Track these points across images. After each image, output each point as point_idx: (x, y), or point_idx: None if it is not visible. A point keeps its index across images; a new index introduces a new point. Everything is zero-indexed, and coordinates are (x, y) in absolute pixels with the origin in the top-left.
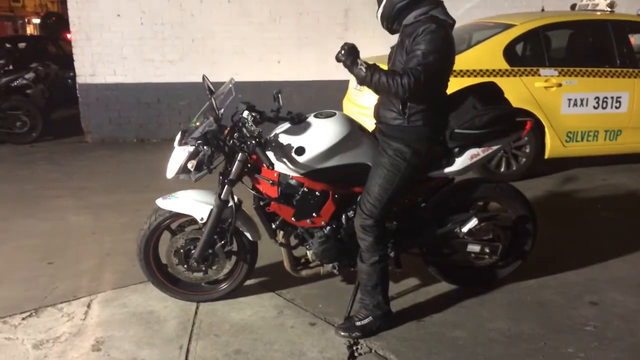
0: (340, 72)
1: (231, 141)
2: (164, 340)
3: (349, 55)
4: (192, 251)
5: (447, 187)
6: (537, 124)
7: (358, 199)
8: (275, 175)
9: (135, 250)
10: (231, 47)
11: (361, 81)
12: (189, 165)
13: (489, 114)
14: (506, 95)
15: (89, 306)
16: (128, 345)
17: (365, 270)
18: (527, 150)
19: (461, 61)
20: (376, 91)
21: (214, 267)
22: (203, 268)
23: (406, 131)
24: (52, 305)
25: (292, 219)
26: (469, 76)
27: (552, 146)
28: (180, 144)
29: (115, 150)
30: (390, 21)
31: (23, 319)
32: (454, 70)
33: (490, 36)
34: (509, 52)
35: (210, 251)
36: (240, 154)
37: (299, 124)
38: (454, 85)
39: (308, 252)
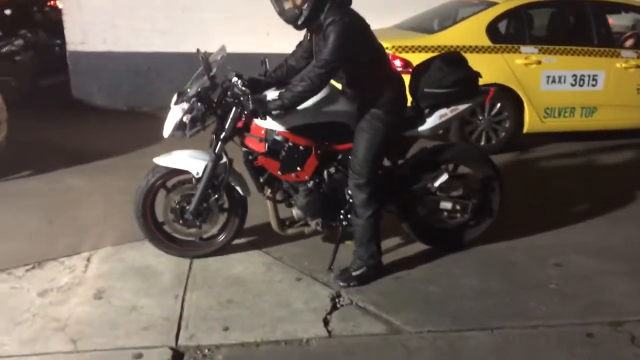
0: None
1: (223, 101)
2: (161, 291)
3: (256, 104)
4: (187, 207)
5: (419, 150)
6: (516, 99)
7: (339, 156)
8: (263, 132)
9: (133, 208)
10: (221, 18)
11: (286, 108)
12: (185, 119)
13: (455, 75)
14: (487, 71)
15: (88, 260)
16: (127, 294)
17: (360, 224)
18: (507, 125)
19: (446, 37)
20: (303, 100)
21: (207, 222)
22: (197, 223)
23: (376, 98)
24: (54, 259)
25: (278, 172)
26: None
27: (531, 121)
28: (176, 103)
29: (105, 118)
30: (307, 25)
31: (27, 270)
32: (440, 46)
33: (474, 13)
34: (492, 30)
35: (204, 205)
36: (233, 109)
37: (284, 86)
38: None
39: (293, 210)
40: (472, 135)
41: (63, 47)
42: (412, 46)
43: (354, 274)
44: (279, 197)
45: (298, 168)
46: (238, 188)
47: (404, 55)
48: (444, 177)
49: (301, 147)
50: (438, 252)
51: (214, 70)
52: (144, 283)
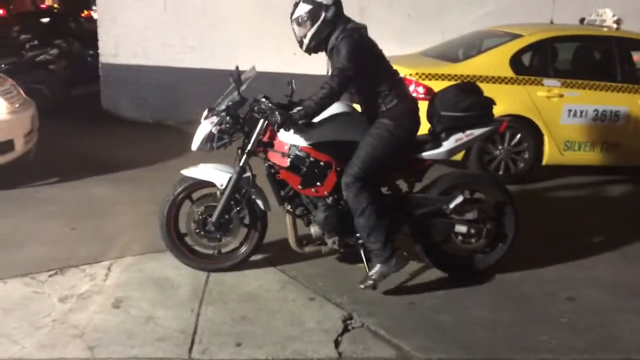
0: None
1: (249, 117)
2: (177, 303)
3: (283, 116)
4: (210, 219)
5: (436, 178)
6: (536, 131)
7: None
8: (286, 147)
9: (159, 217)
10: (249, 36)
11: (306, 118)
12: (214, 129)
13: (470, 99)
14: (508, 102)
15: (109, 269)
16: (145, 305)
17: (360, 224)
18: (526, 156)
19: (470, 66)
20: (325, 106)
21: (228, 234)
22: (218, 235)
23: (388, 111)
24: (76, 266)
25: (299, 186)
26: (475, 81)
27: (550, 153)
28: (206, 118)
29: (131, 129)
30: (317, 48)
31: (49, 276)
32: (463, 75)
33: (498, 44)
34: (515, 61)
35: (226, 217)
36: (260, 123)
37: None
38: None
39: (312, 228)
40: (491, 164)
41: (95, 58)
42: (436, 74)
43: (370, 273)
44: (298, 212)
45: (318, 183)
46: (259, 202)
47: (427, 82)
48: (459, 200)
49: (322, 163)
50: (451, 281)
51: (244, 86)
52: (161, 294)
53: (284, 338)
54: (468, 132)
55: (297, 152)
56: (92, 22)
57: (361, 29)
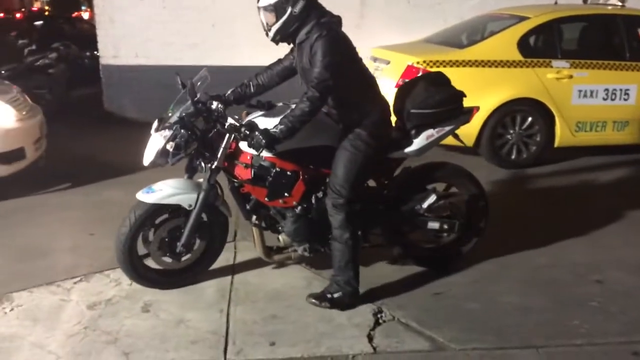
0: None
1: (213, 129)
2: (206, 305)
3: (268, 140)
4: (178, 242)
5: (403, 170)
6: (547, 113)
7: (327, 180)
8: (249, 157)
9: (115, 249)
10: (250, 32)
11: (289, 135)
12: (168, 146)
13: (440, 94)
14: (518, 85)
15: None
16: (173, 308)
17: (338, 248)
18: (538, 139)
19: (477, 51)
20: (307, 122)
21: (195, 249)
22: (185, 252)
23: (362, 119)
24: (100, 272)
25: (266, 199)
26: (482, 66)
27: (562, 135)
28: (157, 130)
29: (136, 130)
30: (283, 41)
31: (74, 283)
32: (471, 61)
33: (504, 28)
34: (523, 44)
35: (196, 236)
36: (226, 138)
37: (269, 110)
38: (471, 74)
39: (280, 236)
40: (503, 149)
41: (92, 60)
42: (443, 61)
43: (328, 295)
44: (265, 224)
45: (286, 194)
46: (224, 211)
47: (434, 70)
48: (433, 199)
49: (289, 172)
50: (476, 269)
51: (198, 95)
52: (188, 297)
53: (317, 335)
54: (439, 127)
55: (262, 163)
56: (83, 22)
57: (335, 24)
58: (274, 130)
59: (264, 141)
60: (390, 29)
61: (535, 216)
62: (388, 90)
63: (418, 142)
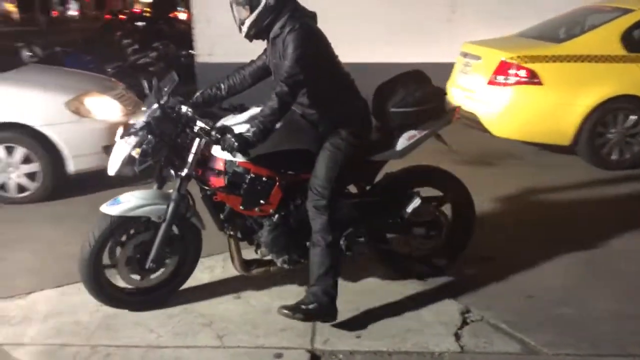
0: (443, 55)
1: (181, 133)
2: (294, 295)
3: (241, 143)
4: (147, 258)
5: (386, 175)
6: None
7: (307, 184)
8: (222, 164)
9: (80, 272)
10: (342, 28)
11: (262, 136)
12: (134, 153)
13: (419, 92)
14: (621, 81)
15: (224, 260)
16: (263, 296)
17: (317, 254)
18: None
19: (575, 46)
20: (278, 119)
21: (166, 265)
22: (156, 268)
23: (338, 119)
24: None
25: (241, 207)
26: (582, 61)
27: None
28: (122, 137)
29: None
30: (257, 36)
31: None
32: (569, 55)
33: (607, 21)
34: (627, 38)
35: (167, 250)
36: (196, 143)
37: (242, 113)
38: (569, 70)
39: (258, 249)
40: (603, 148)
41: (187, 58)
42: (539, 56)
43: (302, 307)
44: (241, 235)
45: (262, 201)
46: (196, 223)
47: (529, 65)
48: (417, 202)
49: (264, 178)
50: (566, 273)
51: (165, 98)
52: (276, 286)
53: (403, 330)
54: (421, 127)
55: (235, 169)
56: (180, 22)
57: (309, 18)
58: (247, 133)
59: (236, 144)
60: (483, 24)
61: (635, 221)
62: (477, 87)
63: (400, 144)
